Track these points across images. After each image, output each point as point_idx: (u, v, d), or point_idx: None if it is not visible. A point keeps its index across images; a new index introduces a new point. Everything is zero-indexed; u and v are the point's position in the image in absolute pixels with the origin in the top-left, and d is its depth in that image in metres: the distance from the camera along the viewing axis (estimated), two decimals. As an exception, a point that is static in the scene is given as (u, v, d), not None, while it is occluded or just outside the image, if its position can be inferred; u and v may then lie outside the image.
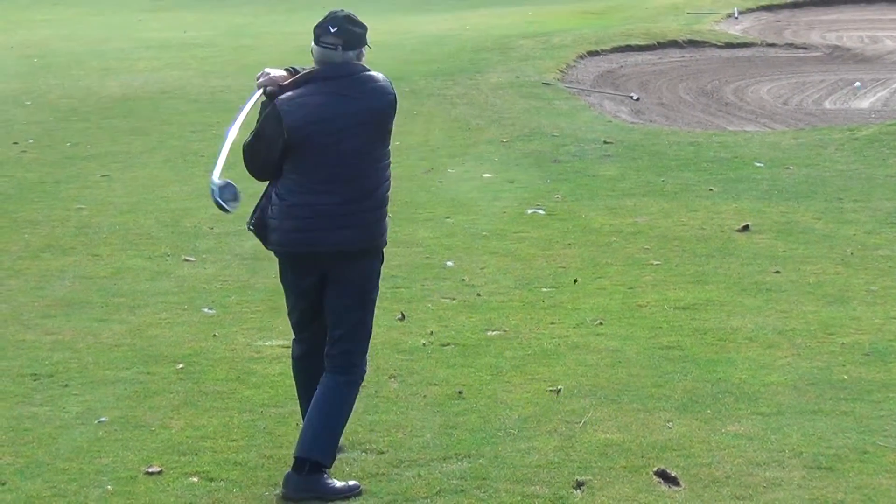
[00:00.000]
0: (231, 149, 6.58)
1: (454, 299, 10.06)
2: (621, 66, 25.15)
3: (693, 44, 27.53)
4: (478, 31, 28.87)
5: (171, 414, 7.65)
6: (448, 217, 12.91)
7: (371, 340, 6.76)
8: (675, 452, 6.92)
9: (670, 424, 7.32)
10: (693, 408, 7.59)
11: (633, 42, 27.01)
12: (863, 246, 11.46)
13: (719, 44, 27.74)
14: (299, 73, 6.58)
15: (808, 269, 10.73)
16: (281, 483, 6.54)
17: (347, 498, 6.45)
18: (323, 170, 6.44)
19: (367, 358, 6.73)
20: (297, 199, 6.48)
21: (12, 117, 19.67)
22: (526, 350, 8.76)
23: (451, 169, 15.47)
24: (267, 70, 6.62)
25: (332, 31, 6.45)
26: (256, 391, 8.04)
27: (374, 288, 6.67)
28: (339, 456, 6.78)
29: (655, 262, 11.03)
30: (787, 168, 15.12)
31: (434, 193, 14.13)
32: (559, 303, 9.91)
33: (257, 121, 6.55)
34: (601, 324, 9.31)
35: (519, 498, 6.45)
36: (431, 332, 9.16)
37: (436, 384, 8.09)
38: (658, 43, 27.21)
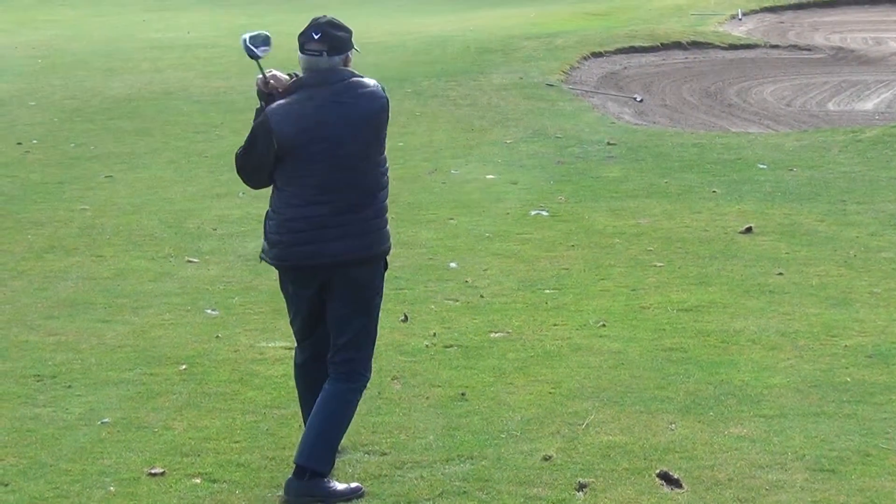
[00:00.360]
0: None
1: (457, 301, 10.06)
2: (625, 68, 25.14)
3: (696, 45, 27.52)
4: (481, 32, 28.86)
5: (173, 415, 7.66)
6: (451, 218, 12.92)
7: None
8: (677, 454, 6.92)
9: (673, 426, 7.32)
10: (696, 410, 7.59)
11: (637, 43, 27.00)
12: (866, 248, 11.46)
13: (723, 45, 27.73)
14: None
15: (811, 271, 10.73)
16: (283, 487, 6.54)
17: (350, 500, 6.45)
18: (316, 179, 6.39)
19: (372, 363, 6.73)
20: (293, 212, 6.45)
21: (16, 118, 19.69)
22: (529, 352, 8.76)
23: (455, 170, 15.47)
24: (274, 72, 6.61)
25: (316, 37, 6.42)
26: (259, 392, 8.04)
27: (378, 294, 6.62)
28: (341, 457, 6.78)
29: (658, 264, 11.03)
30: (791, 170, 15.11)
31: (437, 195, 14.13)
32: (562, 304, 9.92)
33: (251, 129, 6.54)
34: (604, 325, 9.31)
35: (521, 500, 6.45)
36: (434, 334, 9.16)
37: (439, 386, 8.10)
38: (662, 44, 27.20)
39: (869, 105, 21.52)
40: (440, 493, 6.52)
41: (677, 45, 27.32)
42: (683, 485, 6.54)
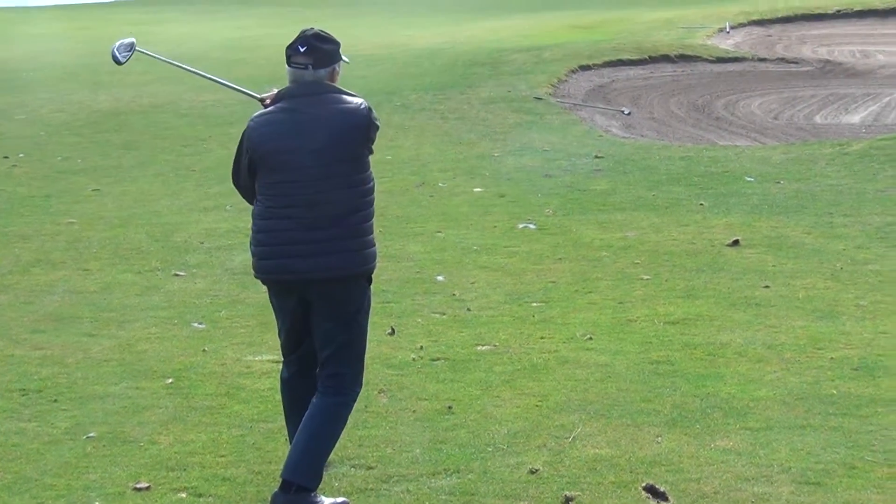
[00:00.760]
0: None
1: (444, 314, 10.06)
2: (613, 81, 25.20)
3: (684, 58, 27.61)
4: (470, 45, 28.91)
5: (159, 429, 7.64)
6: (439, 231, 12.92)
7: (360, 357, 6.74)
8: (663, 467, 6.91)
9: (659, 439, 7.31)
10: (682, 423, 7.58)
11: (625, 56, 27.08)
12: (852, 261, 11.47)
13: (711, 58, 27.82)
14: None
15: (797, 283, 10.74)
16: (269, 501, 6.52)
17: (336, 514, 6.43)
18: (287, 190, 6.32)
19: (363, 379, 6.69)
20: (263, 224, 6.41)
21: (4, 131, 19.69)
22: (516, 365, 8.76)
23: (443, 183, 15.48)
24: (274, 89, 6.61)
25: (302, 50, 6.39)
26: (246, 406, 8.03)
27: (360, 310, 6.49)
28: (328, 471, 6.76)
29: (646, 277, 11.04)
30: (778, 183, 15.14)
31: (425, 208, 14.14)
32: (549, 317, 9.92)
33: None
34: (591, 338, 9.31)
35: (507, 513, 6.44)
36: (421, 347, 9.15)
37: (425, 399, 8.09)
38: (649, 57, 27.29)
39: (856, 118, 21.58)
40: (426, 507, 6.51)
41: (665, 59, 27.41)
42: (669, 498, 6.53)
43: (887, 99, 23.16)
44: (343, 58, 6.56)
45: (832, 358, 8.76)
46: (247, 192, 6.58)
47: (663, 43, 28.80)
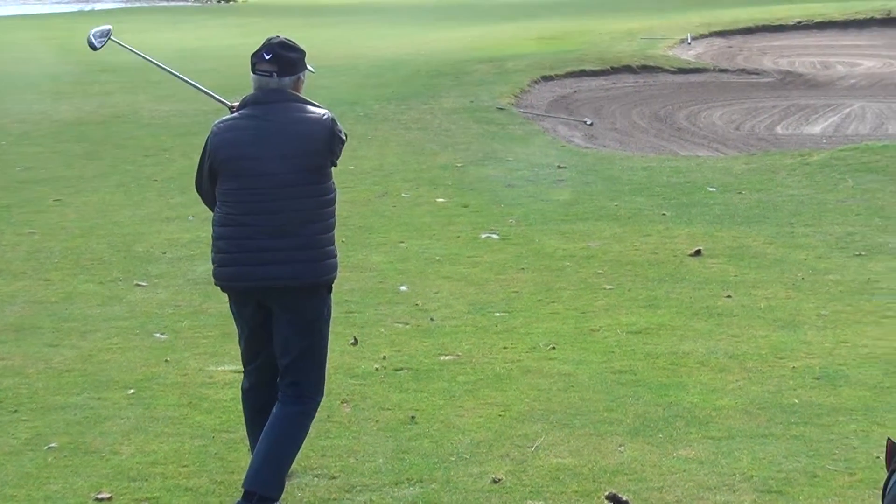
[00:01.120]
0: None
1: (407, 324, 10.06)
2: (575, 91, 25.25)
3: (646, 69, 27.68)
4: (433, 55, 28.93)
5: (121, 439, 7.60)
6: (402, 241, 12.91)
7: (323, 366, 6.72)
8: (626, 476, 6.93)
9: (622, 448, 7.33)
10: (644, 432, 7.61)
11: (587, 67, 27.14)
12: (814, 270, 11.53)
13: (672, 69, 27.90)
14: None
15: (759, 293, 10.79)
16: (231, 510, 6.50)
17: (299, 524, 6.41)
18: (245, 197, 6.32)
19: (324, 388, 6.68)
20: (223, 231, 6.40)
21: (-36, 141, 19.55)
22: (479, 375, 8.76)
23: (405, 193, 15.48)
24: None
25: (267, 57, 6.40)
26: (208, 416, 8.00)
27: (321, 318, 6.48)
28: (290, 481, 6.75)
29: (608, 287, 11.06)
30: (739, 193, 15.21)
31: (388, 218, 14.13)
32: (512, 327, 9.93)
33: None
34: (554, 348, 9.32)
35: (471, 523, 6.44)
36: (384, 357, 9.15)
37: (388, 409, 8.08)
38: (612, 68, 27.35)
39: (817, 129, 21.70)
40: (389, 517, 6.50)
41: (627, 69, 27.48)
42: (632, 507, 6.54)
43: (847, 110, 23.30)
44: (308, 67, 6.56)
45: (794, 367, 8.80)
46: (208, 198, 6.57)
47: (625, 54, 28.89)
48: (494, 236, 13.10)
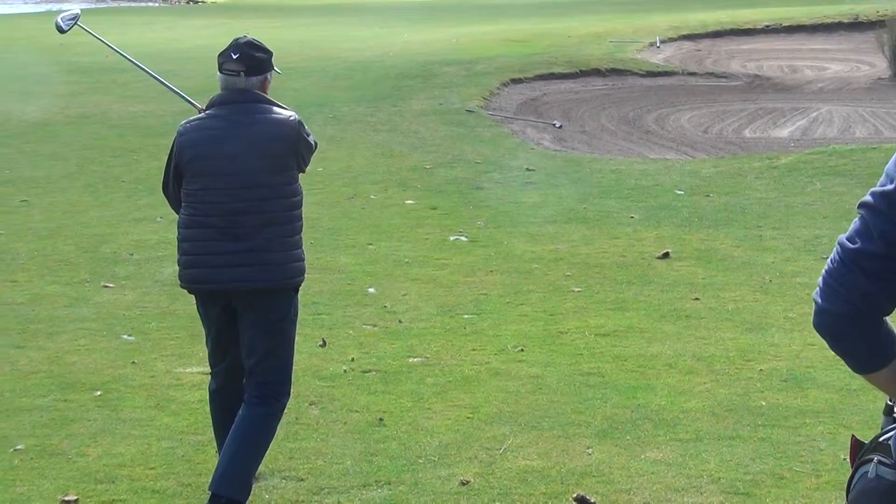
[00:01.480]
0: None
1: (376, 326, 10.04)
2: (544, 94, 25.28)
3: (615, 72, 27.74)
4: (401, 57, 28.91)
5: (88, 441, 7.57)
6: (370, 243, 12.90)
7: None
8: (594, 478, 6.93)
9: (590, 451, 7.34)
10: (613, 434, 7.61)
11: (556, 70, 27.17)
12: (781, 273, 11.57)
13: (641, 72, 27.98)
14: None
15: (727, 296, 10.82)
16: (198, 513, 6.48)
17: (266, 526, 6.39)
18: (209, 197, 6.30)
19: (291, 389, 6.66)
20: (188, 232, 6.39)
21: (-70, 141, 19.44)
22: (447, 377, 8.76)
23: (374, 195, 15.47)
24: None
25: (234, 57, 6.38)
26: (175, 418, 7.97)
27: (287, 318, 6.45)
28: (258, 484, 6.73)
29: (576, 289, 11.08)
30: (708, 196, 15.26)
31: (356, 220, 14.12)
32: (481, 329, 9.93)
33: None
34: (522, 350, 9.33)
35: (439, 525, 6.44)
36: (352, 359, 9.13)
37: (357, 411, 8.07)
38: (581, 71, 27.40)
39: (784, 132, 21.79)
40: (357, 519, 6.49)
41: (596, 72, 27.53)
42: (600, 509, 6.55)
43: (815, 113, 23.41)
44: (275, 68, 6.55)
45: (761, 370, 8.83)
46: (174, 200, 6.55)
47: (594, 57, 28.94)
48: (463, 238, 13.11)
